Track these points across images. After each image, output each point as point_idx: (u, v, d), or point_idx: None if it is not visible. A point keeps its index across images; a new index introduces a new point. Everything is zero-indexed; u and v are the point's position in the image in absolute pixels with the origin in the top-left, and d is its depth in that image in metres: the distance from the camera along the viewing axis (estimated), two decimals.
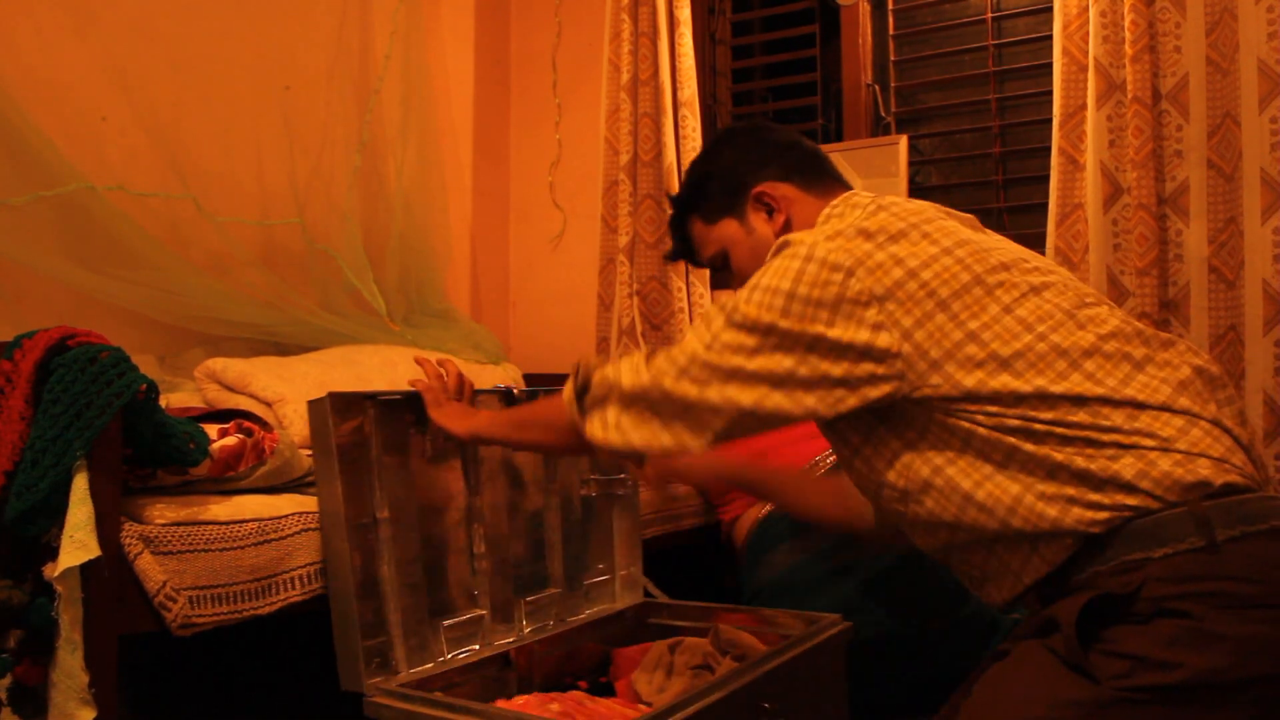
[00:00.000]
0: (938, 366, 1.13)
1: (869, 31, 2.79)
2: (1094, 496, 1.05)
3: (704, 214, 1.46)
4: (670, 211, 1.54)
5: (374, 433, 1.40)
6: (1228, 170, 2.08)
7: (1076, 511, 1.06)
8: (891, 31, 2.75)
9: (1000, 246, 1.25)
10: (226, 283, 2.40)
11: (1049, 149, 2.30)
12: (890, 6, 2.75)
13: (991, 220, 2.61)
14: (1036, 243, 2.33)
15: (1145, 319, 2.11)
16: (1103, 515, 1.05)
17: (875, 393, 1.15)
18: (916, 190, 2.69)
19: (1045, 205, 2.30)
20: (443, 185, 2.92)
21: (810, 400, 1.15)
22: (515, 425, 1.45)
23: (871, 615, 1.73)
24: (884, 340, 1.13)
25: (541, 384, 1.58)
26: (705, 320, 1.22)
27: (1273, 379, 1.98)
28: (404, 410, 1.46)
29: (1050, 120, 2.29)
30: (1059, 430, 1.08)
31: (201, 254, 2.40)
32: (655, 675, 1.54)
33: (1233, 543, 1.02)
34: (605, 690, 1.62)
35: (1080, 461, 1.06)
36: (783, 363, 1.15)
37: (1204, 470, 1.05)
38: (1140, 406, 1.09)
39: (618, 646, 1.69)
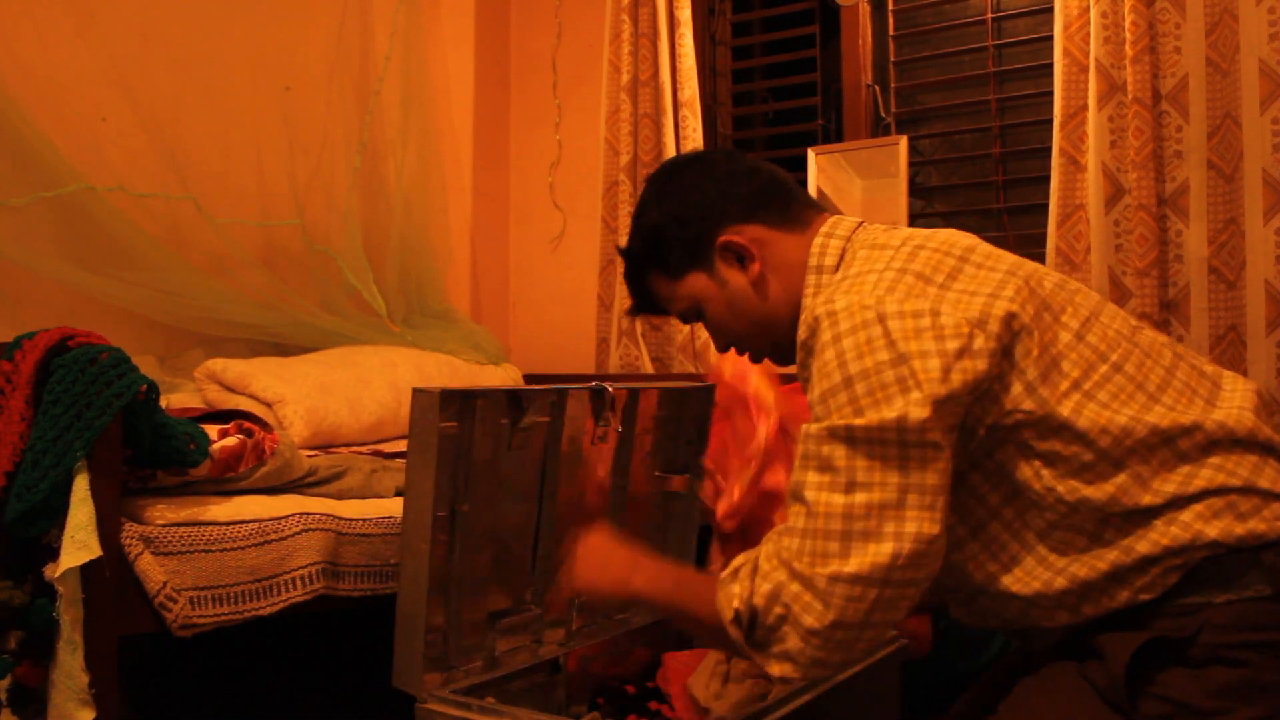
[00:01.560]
0: (1032, 389, 1.02)
1: (869, 32, 2.79)
2: (1177, 560, 0.99)
3: (664, 269, 1.26)
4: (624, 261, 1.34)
5: (473, 429, 1.38)
6: (1228, 171, 2.08)
7: (1154, 574, 1.00)
8: (891, 32, 2.75)
9: (1043, 268, 1.16)
10: (226, 283, 2.40)
11: (1049, 150, 2.30)
12: (890, 7, 2.74)
13: (991, 221, 2.61)
14: (1037, 243, 2.33)
15: (1145, 319, 2.11)
16: (1174, 578, 0.99)
17: (987, 416, 1.03)
18: (916, 190, 2.69)
19: (1045, 206, 2.30)
20: (443, 186, 2.92)
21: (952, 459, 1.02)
22: (676, 609, 1.20)
23: None
24: (988, 362, 1.00)
25: (541, 384, 1.56)
26: (820, 469, 1.01)
27: (1275, 379, 1.98)
28: (504, 408, 1.44)
29: (1050, 121, 2.29)
30: (1145, 501, 1.00)
31: (201, 255, 2.40)
32: (712, 682, 1.53)
33: None
34: (653, 694, 1.62)
35: (1166, 532, 1.00)
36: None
37: None
38: (1224, 441, 1.02)
39: (666, 651, 1.69)
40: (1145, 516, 1.00)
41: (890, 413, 0.97)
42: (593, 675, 1.60)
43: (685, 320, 1.31)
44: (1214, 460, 1.01)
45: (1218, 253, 2.09)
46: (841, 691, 1.38)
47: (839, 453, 0.99)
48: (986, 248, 1.13)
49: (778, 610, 1.00)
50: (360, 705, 1.96)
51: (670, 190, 1.27)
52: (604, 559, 1.25)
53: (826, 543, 0.98)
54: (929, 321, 1.00)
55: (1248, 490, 1.00)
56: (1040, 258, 2.29)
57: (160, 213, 2.33)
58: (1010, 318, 1.02)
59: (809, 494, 1.00)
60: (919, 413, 0.96)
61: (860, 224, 1.21)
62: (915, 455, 0.97)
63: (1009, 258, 1.12)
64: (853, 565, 0.96)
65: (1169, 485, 1.00)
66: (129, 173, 2.27)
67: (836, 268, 1.16)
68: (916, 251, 1.09)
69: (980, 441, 1.04)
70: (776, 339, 1.23)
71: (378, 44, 2.82)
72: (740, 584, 1.04)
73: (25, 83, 2.11)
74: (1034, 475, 1.02)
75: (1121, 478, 1.00)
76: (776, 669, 1.02)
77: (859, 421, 0.98)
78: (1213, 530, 0.97)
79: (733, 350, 1.30)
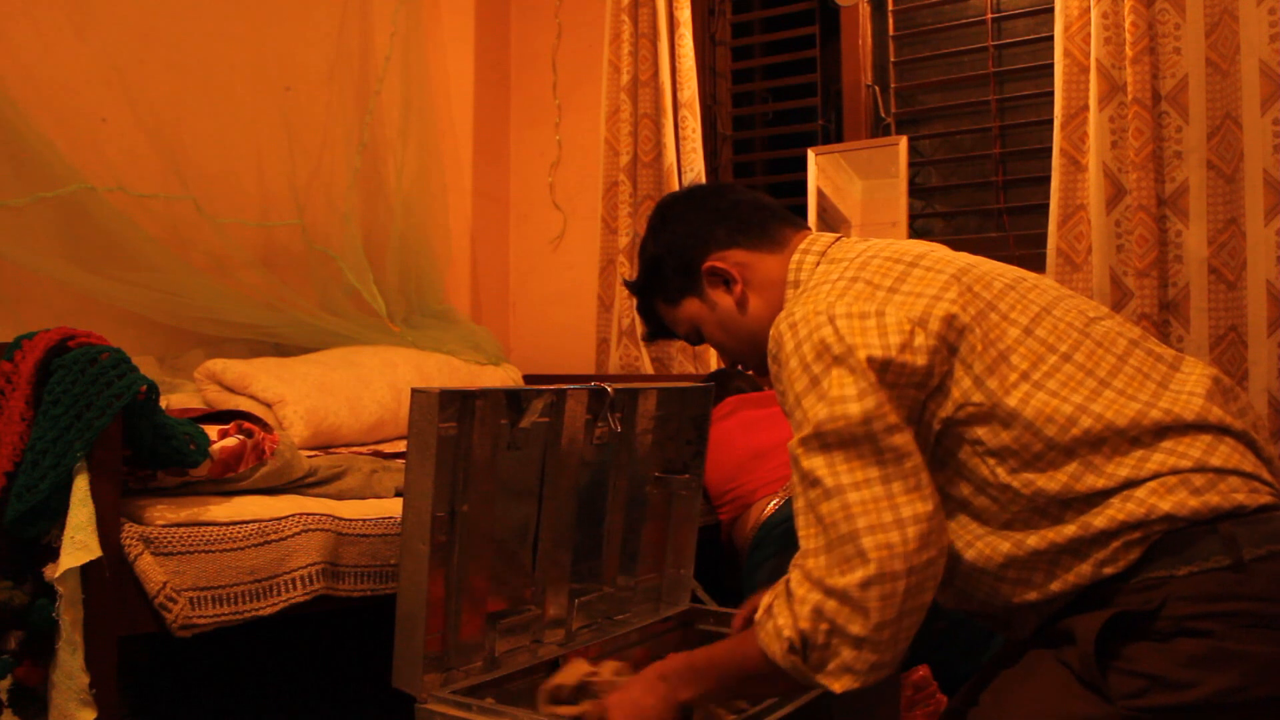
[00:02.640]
0: (980, 383, 1.08)
1: (869, 32, 2.79)
2: (1135, 534, 1.02)
3: (665, 297, 1.41)
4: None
5: (472, 429, 1.38)
6: (1228, 171, 2.08)
7: (1114, 547, 1.03)
8: (891, 32, 2.75)
9: (999, 269, 1.21)
10: (226, 284, 2.40)
11: (1049, 150, 2.30)
12: (890, 7, 2.75)
13: (991, 221, 2.61)
14: (1037, 243, 2.33)
15: (1145, 320, 2.11)
16: (1135, 553, 1.02)
17: (940, 410, 1.09)
18: (916, 191, 2.69)
19: (1045, 206, 2.30)
20: (443, 186, 2.92)
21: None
22: (729, 683, 1.19)
23: None
24: (929, 358, 1.07)
25: (541, 384, 1.56)
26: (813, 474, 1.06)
27: (1277, 380, 1.98)
28: (504, 408, 1.44)
29: (1050, 121, 2.29)
30: (1100, 484, 1.04)
31: (201, 255, 2.40)
32: None
33: (1259, 562, 0.99)
34: None
35: (1121, 508, 1.03)
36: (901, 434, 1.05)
37: (1239, 495, 1.02)
38: (1175, 426, 1.05)
39: (669, 652, 1.69)
40: (1101, 497, 1.04)
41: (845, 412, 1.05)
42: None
43: (691, 341, 1.43)
44: (1166, 444, 1.05)
45: (1217, 253, 2.09)
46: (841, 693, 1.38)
47: (818, 463, 1.05)
48: (939, 254, 1.20)
49: (823, 628, 1.03)
50: (360, 705, 1.96)
51: (664, 227, 1.40)
52: (635, 700, 1.22)
53: (843, 549, 1.02)
54: (874, 321, 1.08)
55: (1200, 469, 1.03)
56: (1040, 258, 2.29)
57: (160, 213, 2.33)
58: (950, 318, 1.09)
59: (813, 512, 1.05)
60: (869, 400, 1.04)
61: (837, 238, 1.28)
62: (883, 442, 1.04)
63: (959, 261, 1.18)
64: (873, 565, 1.00)
65: (1122, 469, 1.04)
66: (129, 173, 2.27)
67: (809, 282, 1.24)
68: (868, 261, 1.18)
69: (938, 437, 1.10)
70: (764, 352, 1.27)
71: (378, 44, 2.82)
72: (780, 616, 1.06)
73: (25, 83, 2.11)
74: (990, 473, 1.08)
75: (1073, 465, 1.05)
76: (839, 685, 1.03)
77: (826, 423, 1.04)
78: (1166, 504, 1.01)
79: None
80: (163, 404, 1.38)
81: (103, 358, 1.30)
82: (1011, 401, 1.06)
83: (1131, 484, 1.03)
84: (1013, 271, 1.21)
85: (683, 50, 2.78)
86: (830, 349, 1.07)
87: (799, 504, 1.08)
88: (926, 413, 1.09)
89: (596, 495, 1.67)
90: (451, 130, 3.10)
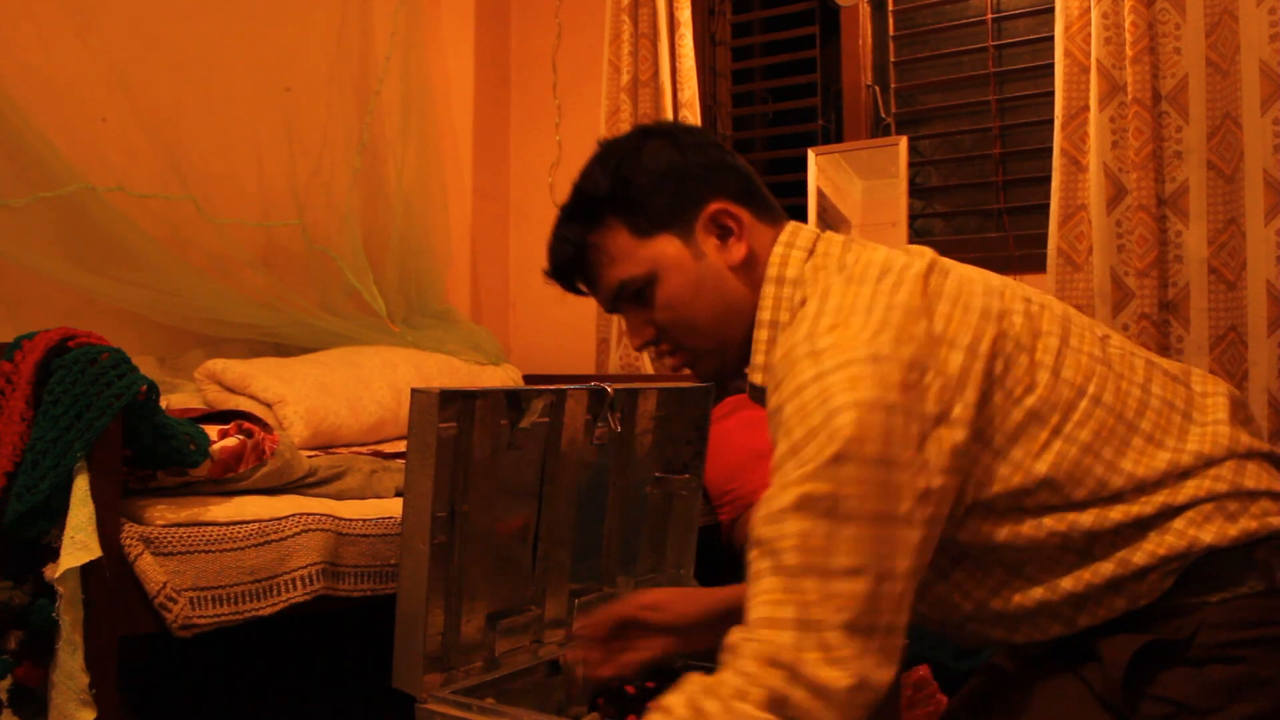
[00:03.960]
0: (1001, 455, 0.98)
1: (869, 33, 2.79)
2: (1174, 565, 0.98)
3: (635, 220, 1.12)
4: (565, 207, 1.19)
5: (472, 430, 1.38)
6: (1228, 171, 2.08)
7: (1151, 579, 0.99)
8: (891, 32, 2.75)
9: (1005, 283, 1.09)
10: (226, 284, 2.40)
11: (1049, 150, 2.30)
12: (890, 7, 2.74)
13: (991, 221, 2.61)
14: (1037, 243, 2.33)
15: (1145, 320, 2.11)
16: (1170, 581, 0.98)
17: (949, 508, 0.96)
18: (916, 191, 2.69)
19: (1045, 206, 2.30)
20: (443, 186, 2.92)
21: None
22: None
23: None
24: (960, 436, 0.95)
25: (541, 384, 1.57)
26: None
27: (1277, 380, 1.98)
28: (504, 408, 1.44)
29: (1050, 121, 2.29)
30: (1135, 511, 0.99)
31: (201, 255, 2.40)
32: None
33: None
34: (653, 695, 1.62)
35: (1161, 541, 0.99)
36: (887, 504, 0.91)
37: (1273, 519, 0.99)
38: (1206, 464, 1.01)
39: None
40: (1136, 529, 0.99)
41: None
42: (592, 676, 1.59)
43: (615, 300, 1.15)
44: (1195, 478, 1.00)
45: (1217, 253, 2.09)
46: None
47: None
48: (959, 269, 1.07)
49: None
50: (360, 705, 1.96)
51: (670, 139, 1.14)
52: None
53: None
54: (915, 377, 0.94)
55: (1234, 493, 1.00)
56: (1040, 258, 2.29)
57: (160, 213, 2.33)
58: (978, 375, 0.98)
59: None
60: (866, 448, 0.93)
61: (818, 237, 1.13)
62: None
63: (981, 281, 1.05)
64: None
65: (1159, 495, 0.99)
66: (129, 173, 2.27)
67: (798, 281, 1.09)
68: (896, 288, 1.01)
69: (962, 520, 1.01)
70: (727, 340, 1.13)
71: (378, 44, 2.82)
72: None
73: (25, 83, 2.11)
74: (1023, 527, 1.00)
75: (1105, 506, 1.00)
76: None
77: (809, 482, 0.90)
78: (1207, 535, 0.97)
79: None
80: (163, 404, 1.38)
81: (103, 358, 1.30)
82: (1042, 468, 0.98)
83: (1167, 512, 0.99)
84: (1020, 297, 1.07)
85: (683, 50, 2.78)
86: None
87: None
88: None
89: (596, 495, 1.67)
90: (451, 130, 3.10)
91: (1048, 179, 2.29)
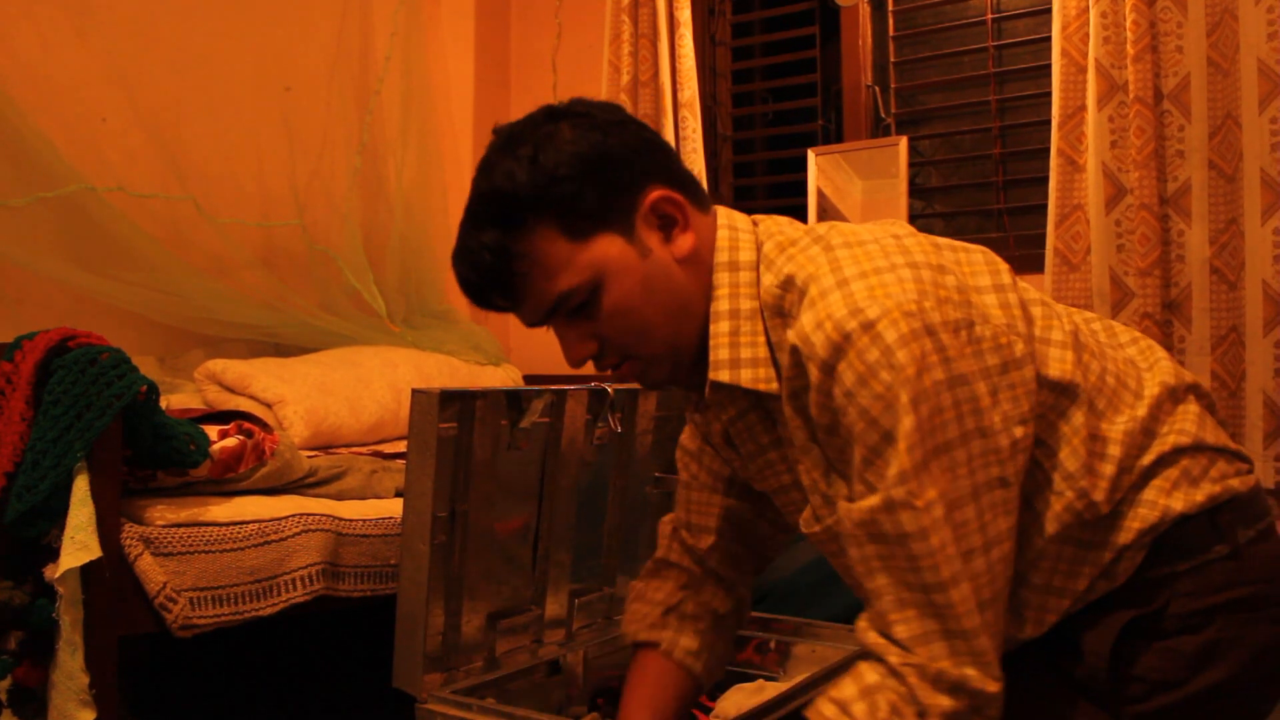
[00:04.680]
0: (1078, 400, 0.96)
1: (869, 33, 2.79)
2: (1147, 539, 0.96)
3: (566, 225, 0.96)
4: (474, 209, 1.03)
5: (472, 430, 1.38)
6: (1229, 171, 2.08)
7: (1128, 556, 0.97)
8: (891, 33, 2.75)
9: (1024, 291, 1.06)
10: (226, 284, 2.40)
11: (1049, 150, 2.30)
12: (890, 8, 2.74)
13: (991, 221, 2.61)
14: (1037, 244, 2.33)
15: (1147, 320, 2.11)
16: (1141, 555, 0.97)
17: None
18: (916, 191, 2.69)
19: (1045, 206, 2.30)
20: (443, 186, 2.92)
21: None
22: None
23: None
24: (1029, 373, 0.93)
25: (541, 384, 1.56)
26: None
27: (1273, 380, 1.97)
28: (504, 408, 1.44)
29: (1050, 121, 2.29)
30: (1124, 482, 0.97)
31: (201, 255, 2.40)
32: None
33: (1251, 544, 0.97)
34: None
35: (1135, 515, 0.97)
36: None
37: (1233, 481, 0.98)
38: (1169, 397, 1.00)
39: None
40: (1117, 507, 0.98)
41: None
42: (592, 677, 1.60)
43: (549, 314, 1.00)
44: (1167, 421, 0.99)
45: (1219, 253, 2.09)
46: None
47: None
48: (963, 252, 1.02)
49: None
50: (360, 705, 1.96)
51: (580, 122, 0.99)
52: None
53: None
54: (991, 335, 0.92)
55: (1197, 448, 0.98)
56: (1040, 258, 2.29)
57: (160, 213, 2.33)
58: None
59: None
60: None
61: (753, 219, 1.05)
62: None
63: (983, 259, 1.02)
64: None
65: (1137, 458, 0.98)
66: (129, 173, 2.27)
67: (755, 264, 1.00)
68: (913, 244, 0.97)
69: None
70: (681, 341, 1.02)
71: (378, 44, 2.82)
72: None
73: (25, 83, 2.11)
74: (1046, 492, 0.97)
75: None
76: None
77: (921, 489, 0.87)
78: (1178, 503, 0.96)
79: None
80: (163, 404, 1.38)
81: (103, 358, 1.30)
82: (1061, 376, 0.96)
83: (1142, 475, 0.97)
84: (1033, 292, 1.05)
85: (683, 50, 2.78)
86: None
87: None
88: None
89: (596, 495, 1.67)
90: (451, 130, 3.10)
91: (1047, 179, 2.29)
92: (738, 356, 0.98)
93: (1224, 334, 2.08)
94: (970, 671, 0.86)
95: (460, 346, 2.70)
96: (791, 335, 0.92)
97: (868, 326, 0.86)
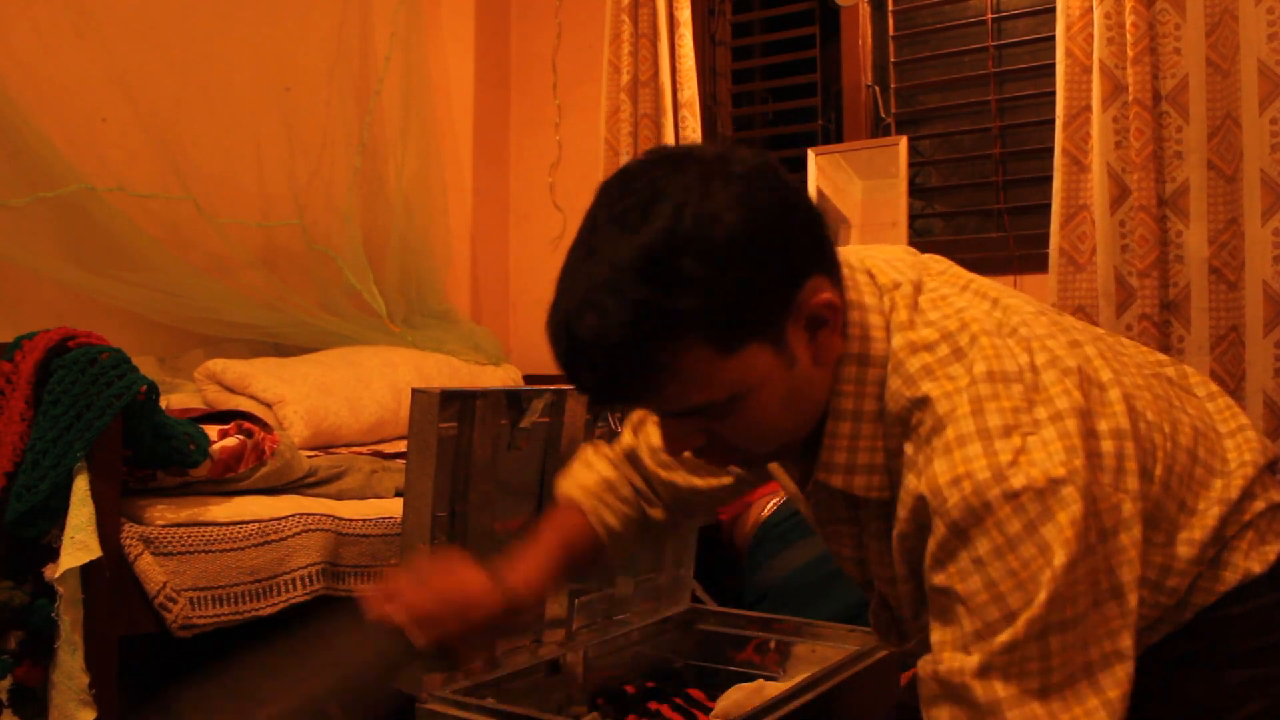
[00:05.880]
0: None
1: (869, 33, 2.79)
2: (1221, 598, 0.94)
3: (720, 336, 0.81)
4: (617, 308, 0.81)
5: (472, 430, 1.38)
6: (1229, 171, 2.08)
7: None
8: (891, 33, 2.75)
9: (1068, 322, 0.96)
10: (226, 284, 2.40)
11: (1049, 150, 2.30)
12: (890, 8, 2.74)
13: (991, 221, 2.61)
14: (1037, 244, 2.33)
15: (1146, 320, 2.11)
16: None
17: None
18: (916, 191, 2.69)
19: (1045, 206, 2.30)
20: (443, 186, 2.92)
21: None
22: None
23: None
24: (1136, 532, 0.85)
25: (541, 385, 1.56)
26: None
27: (1273, 380, 1.97)
28: (504, 408, 1.44)
29: (1051, 121, 2.29)
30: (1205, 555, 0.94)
31: (201, 255, 2.40)
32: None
33: None
34: (653, 694, 1.62)
35: (1219, 578, 0.95)
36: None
37: None
38: (1251, 479, 0.97)
39: (666, 654, 1.70)
40: (1206, 568, 0.95)
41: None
42: (593, 676, 1.60)
43: (677, 417, 0.88)
44: (1250, 492, 0.97)
45: (1218, 253, 2.09)
46: (841, 691, 1.38)
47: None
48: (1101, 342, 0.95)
49: None
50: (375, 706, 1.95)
51: (738, 207, 0.80)
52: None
53: None
54: (1120, 509, 0.83)
55: (1274, 510, 0.98)
56: (1041, 258, 2.29)
57: (160, 213, 2.33)
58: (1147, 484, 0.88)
59: None
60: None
61: (872, 277, 0.93)
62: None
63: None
64: None
65: (1220, 534, 0.95)
66: (129, 173, 2.27)
67: (884, 362, 0.89)
68: (1062, 377, 0.86)
69: None
70: (796, 439, 0.93)
71: (378, 44, 2.82)
72: None
73: (25, 83, 2.11)
74: None
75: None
76: None
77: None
78: (1256, 566, 0.94)
79: None
80: (163, 404, 1.38)
81: (103, 358, 1.30)
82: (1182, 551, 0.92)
83: (1226, 547, 0.95)
84: (1108, 345, 0.97)
85: (683, 50, 2.78)
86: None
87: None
88: None
89: None
90: (451, 130, 3.10)
91: (1048, 179, 2.29)
92: (854, 462, 0.91)
93: (1223, 334, 2.08)
94: None
95: (460, 346, 2.70)
96: (922, 483, 0.83)
97: (1011, 496, 0.79)
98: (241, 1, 2.57)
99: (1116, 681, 0.80)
